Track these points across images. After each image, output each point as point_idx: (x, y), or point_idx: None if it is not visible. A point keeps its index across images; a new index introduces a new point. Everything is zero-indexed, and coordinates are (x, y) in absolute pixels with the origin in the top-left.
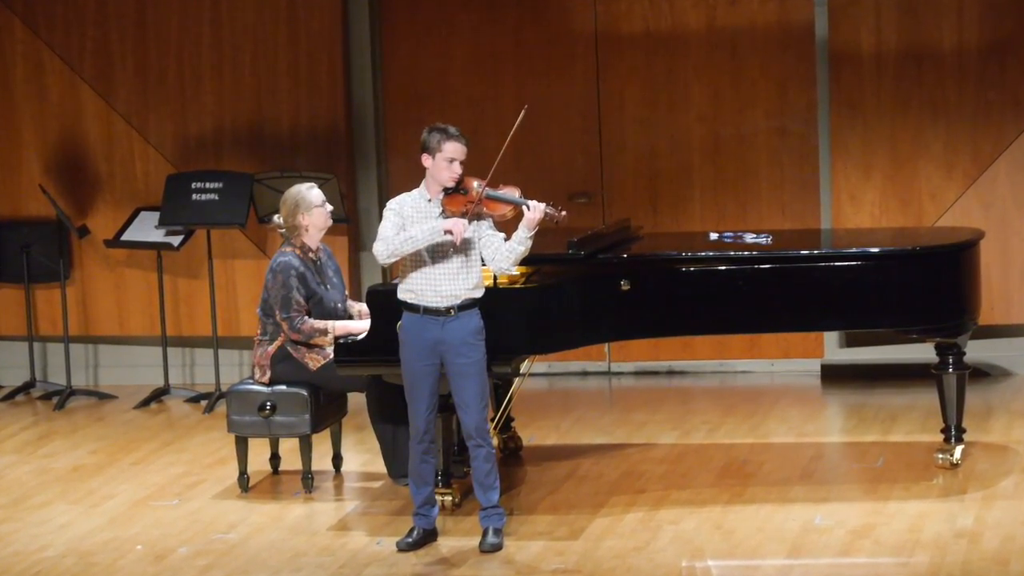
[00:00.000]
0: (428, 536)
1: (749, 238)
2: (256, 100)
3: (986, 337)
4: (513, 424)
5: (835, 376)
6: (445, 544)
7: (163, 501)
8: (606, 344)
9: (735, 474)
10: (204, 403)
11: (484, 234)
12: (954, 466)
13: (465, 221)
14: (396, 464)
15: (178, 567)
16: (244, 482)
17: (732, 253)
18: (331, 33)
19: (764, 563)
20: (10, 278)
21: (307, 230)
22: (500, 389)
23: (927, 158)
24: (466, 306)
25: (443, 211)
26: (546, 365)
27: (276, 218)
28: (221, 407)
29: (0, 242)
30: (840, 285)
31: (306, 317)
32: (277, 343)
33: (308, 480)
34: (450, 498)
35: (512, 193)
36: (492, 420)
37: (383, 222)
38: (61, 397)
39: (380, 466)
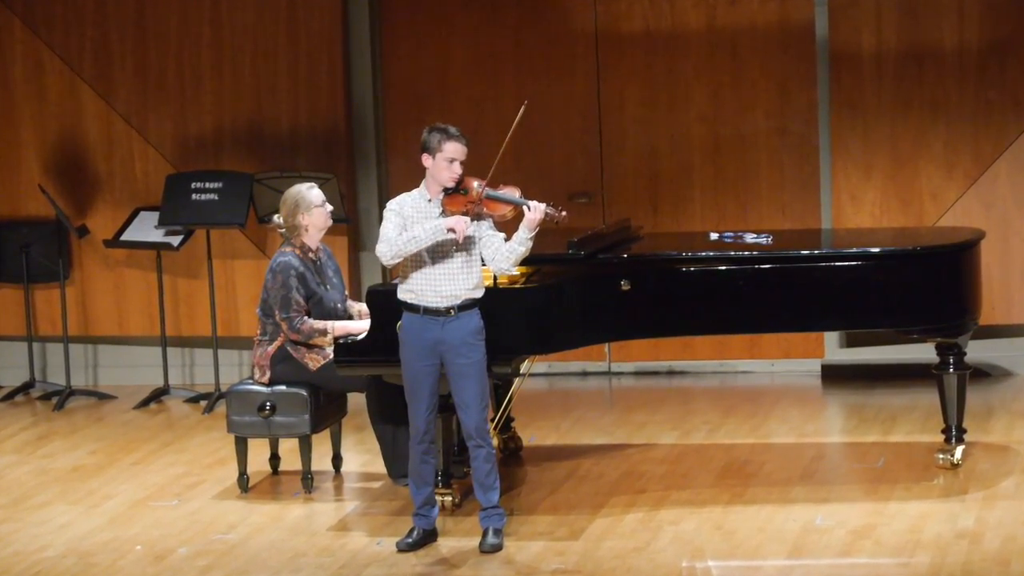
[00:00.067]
0: (428, 536)
1: (749, 238)
2: (256, 100)
3: (987, 337)
4: (513, 424)
5: (836, 376)
6: (445, 544)
7: (163, 501)
8: (606, 344)
9: (735, 474)
10: (204, 403)
11: (484, 234)
12: (955, 466)
13: (467, 219)
14: (396, 464)
15: (178, 567)
16: (244, 482)
17: (732, 253)
18: (331, 33)
19: (765, 563)
20: (9, 278)
21: (307, 230)
22: (500, 389)
23: (928, 158)
24: (466, 306)
25: (443, 211)
26: (546, 365)
27: (276, 218)
28: (221, 407)
29: None
30: (840, 285)
31: (306, 317)
32: (277, 343)
33: (308, 480)
34: (450, 498)
35: (512, 193)
36: (492, 420)
37: (384, 223)
38: (60, 397)
39: (380, 466)
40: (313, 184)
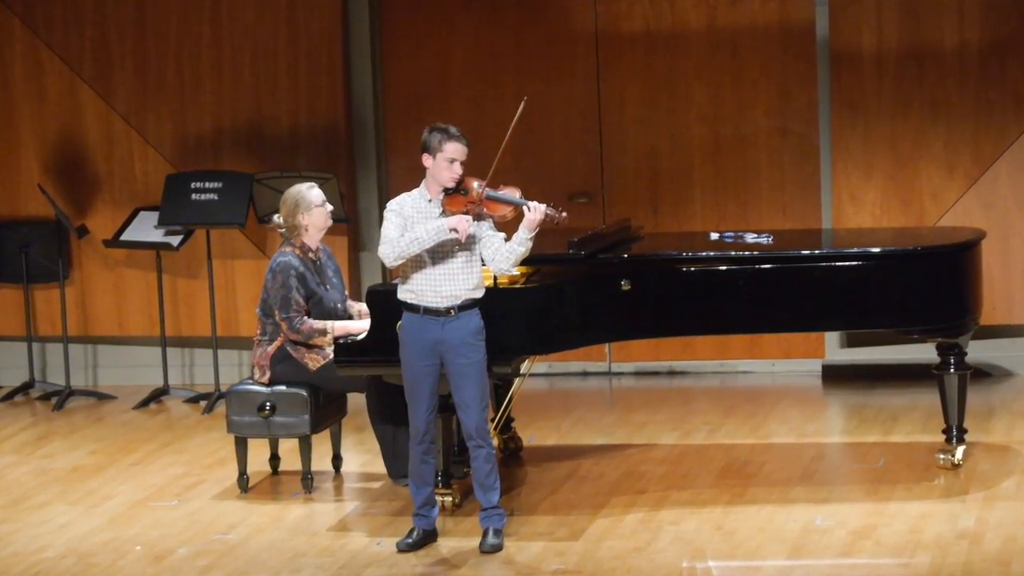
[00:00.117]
0: (428, 537)
1: (750, 238)
2: (256, 100)
3: (987, 337)
4: (513, 424)
5: (836, 376)
6: (445, 545)
7: (162, 502)
8: (606, 344)
9: (736, 475)
10: (203, 403)
11: (484, 234)
12: (955, 467)
13: (469, 218)
14: (396, 465)
15: (177, 568)
16: (244, 483)
17: (733, 253)
18: (331, 33)
19: (765, 564)
20: (9, 278)
21: (307, 230)
22: (500, 389)
23: (928, 158)
24: (466, 306)
25: (443, 211)
26: (546, 365)
27: (276, 218)
28: (220, 407)
29: None
30: (841, 285)
31: (305, 317)
32: (277, 343)
33: (308, 481)
34: (450, 499)
35: (512, 194)
36: (492, 420)
37: (385, 223)
38: (60, 397)
39: (380, 467)
40: (313, 184)
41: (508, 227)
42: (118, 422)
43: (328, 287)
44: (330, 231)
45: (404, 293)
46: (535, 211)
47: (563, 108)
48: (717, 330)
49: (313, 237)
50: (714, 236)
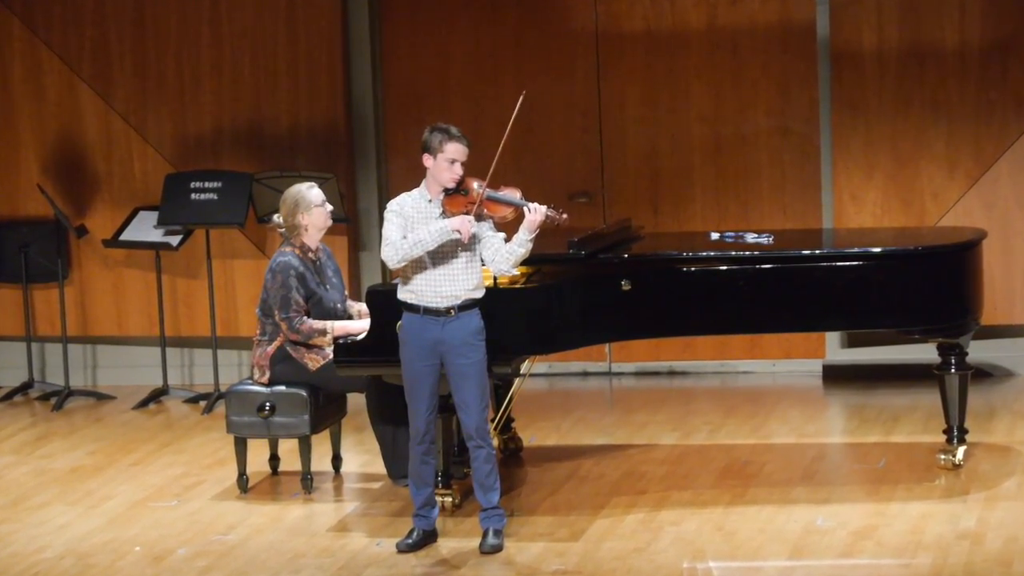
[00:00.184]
0: (428, 537)
1: (750, 238)
2: (255, 100)
3: (988, 337)
4: (513, 425)
5: (837, 376)
6: (445, 545)
7: (162, 502)
8: (607, 344)
9: (736, 475)
10: (203, 404)
11: (484, 235)
12: (956, 467)
13: (471, 218)
14: (396, 465)
15: (177, 568)
16: (243, 483)
17: (733, 253)
18: (331, 33)
19: (765, 564)
20: (8, 278)
21: (307, 230)
22: (500, 390)
23: (929, 158)
24: (466, 306)
25: (443, 212)
26: (546, 365)
27: (276, 218)
28: (220, 408)
29: None
30: (842, 285)
31: (305, 317)
32: (276, 343)
33: (307, 481)
34: (450, 499)
35: (513, 195)
36: (492, 421)
37: (386, 225)
38: (59, 398)
39: (380, 467)
40: (313, 184)
41: (509, 228)
42: (117, 422)
43: (328, 287)
44: (330, 231)
45: (404, 293)
46: (535, 212)
47: (563, 108)
48: (717, 330)
49: (313, 237)
50: (714, 236)
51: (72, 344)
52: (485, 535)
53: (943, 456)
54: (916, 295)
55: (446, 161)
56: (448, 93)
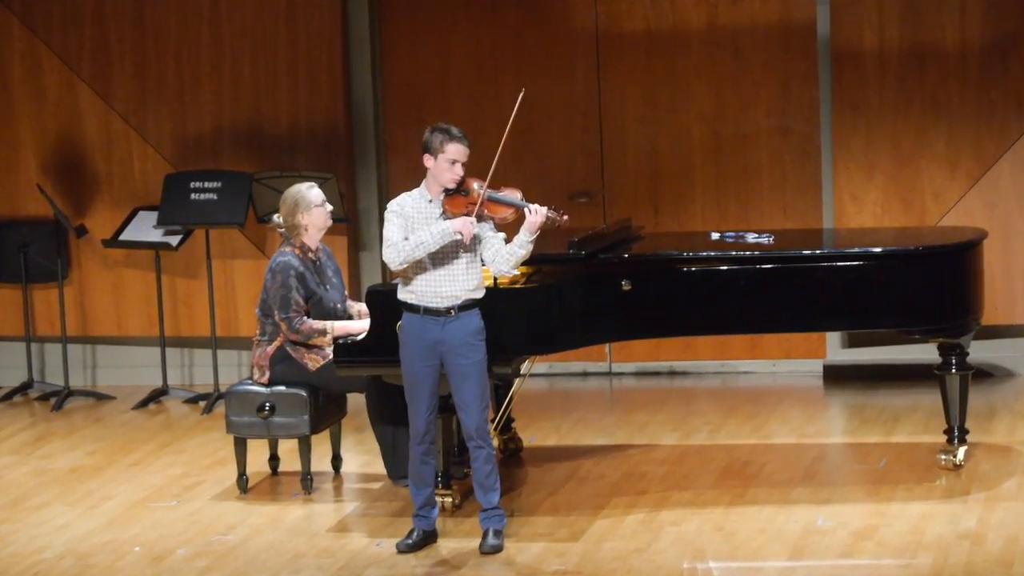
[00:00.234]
0: (428, 538)
1: (751, 238)
2: (255, 100)
3: (989, 337)
4: (514, 425)
5: (837, 377)
6: (445, 546)
7: (162, 502)
8: (607, 344)
9: (737, 475)
10: (203, 404)
11: (485, 236)
12: (957, 467)
13: (473, 219)
14: (396, 465)
15: (177, 568)
16: (243, 483)
17: (734, 253)
18: (331, 33)
19: (766, 565)
20: (8, 278)
21: (307, 230)
22: (500, 390)
23: (929, 157)
24: (466, 307)
25: (444, 212)
26: (547, 366)
27: (275, 218)
28: (220, 408)
29: None
30: (842, 285)
31: (305, 317)
32: (276, 343)
33: (307, 481)
34: (450, 499)
35: (514, 195)
36: (492, 421)
37: (387, 225)
38: (59, 398)
39: (380, 467)
40: (313, 184)
41: (509, 229)
42: (117, 422)
43: (328, 287)
44: (330, 231)
45: (404, 293)
46: (536, 214)
47: (563, 108)
48: (718, 330)
49: (313, 237)
50: (715, 236)
51: (72, 344)
52: (485, 535)
53: (944, 456)
54: (917, 295)
55: (447, 162)
56: (448, 93)
